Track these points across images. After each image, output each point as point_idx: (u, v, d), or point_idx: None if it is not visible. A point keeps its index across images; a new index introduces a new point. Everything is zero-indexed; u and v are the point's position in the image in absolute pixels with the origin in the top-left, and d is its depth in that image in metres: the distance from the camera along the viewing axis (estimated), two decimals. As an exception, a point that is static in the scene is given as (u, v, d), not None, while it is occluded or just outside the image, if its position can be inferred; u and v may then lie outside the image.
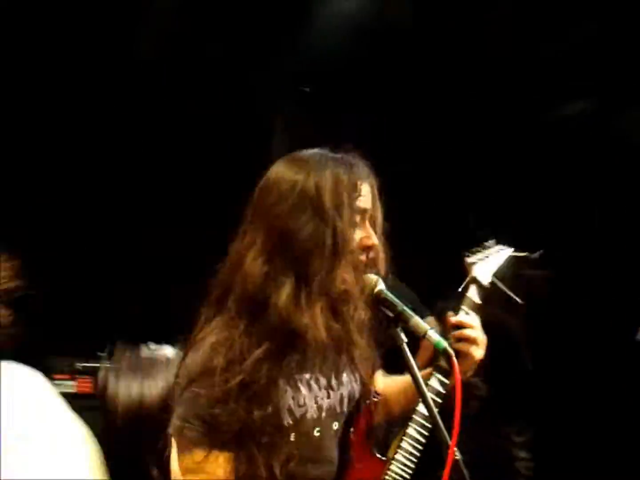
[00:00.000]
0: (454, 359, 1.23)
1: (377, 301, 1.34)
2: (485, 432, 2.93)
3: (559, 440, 3.90)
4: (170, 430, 1.27)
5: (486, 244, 1.74)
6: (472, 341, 1.49)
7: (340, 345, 1.35)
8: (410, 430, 1.53)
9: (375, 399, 1.53)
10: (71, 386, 3.67)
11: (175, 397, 1.29)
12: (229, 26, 3.83)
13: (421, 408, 1.52)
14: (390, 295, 1.34)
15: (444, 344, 1.23)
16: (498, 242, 1.76)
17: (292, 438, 1.33)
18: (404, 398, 1.58)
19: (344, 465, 1.46)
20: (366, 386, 1.48)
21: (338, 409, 1.43)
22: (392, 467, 1.51)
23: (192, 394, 1.25)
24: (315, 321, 1.25)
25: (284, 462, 1.28)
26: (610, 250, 4.14)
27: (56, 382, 3.48)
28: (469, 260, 1.69)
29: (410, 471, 1.51)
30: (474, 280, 1.66)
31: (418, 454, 1.51)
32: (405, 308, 1.31)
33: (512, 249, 1.74)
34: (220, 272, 1.34)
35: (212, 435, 1.23)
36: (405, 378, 1.48)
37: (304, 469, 1.35)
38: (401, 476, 1.51)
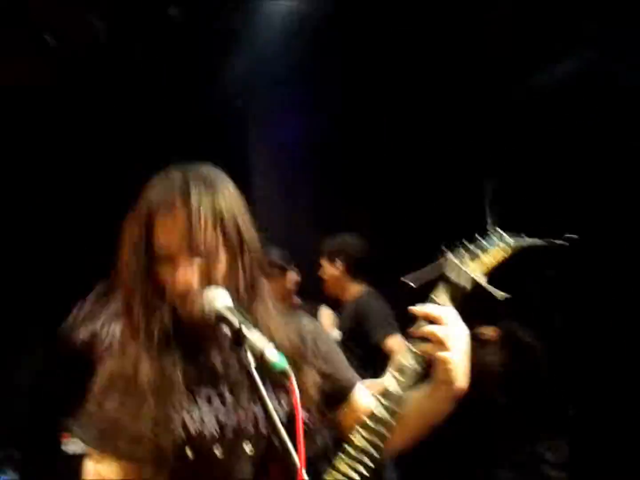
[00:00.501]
0: (293, 381, 1.02)
1: (217, 319, 1.14)
2: (517, 451, 2.80)
3: (597, 459, 3.71)
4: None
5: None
6: (436, 341, 1.20)
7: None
8: (337, 461, 1.23)
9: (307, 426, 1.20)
10: None
11: None
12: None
13: (370, 421, 1.22)
14: (226, 312, 1.13)
15: (282, 365, 1.02)
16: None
17: (190, 456, 1.20)
18: (416, 418, 1.29)
19: None
20: (290, 412, 1.19)
21: (251, 430, 1.24)
22: None
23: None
24: None
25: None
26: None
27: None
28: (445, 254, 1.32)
29: None
30: (444, 280, 1.30)
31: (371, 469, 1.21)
32: (243, 325, 1.08)
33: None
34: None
35: (99, 440, 1.22)
36: (417, 394, 1.27)
37: None
38: None
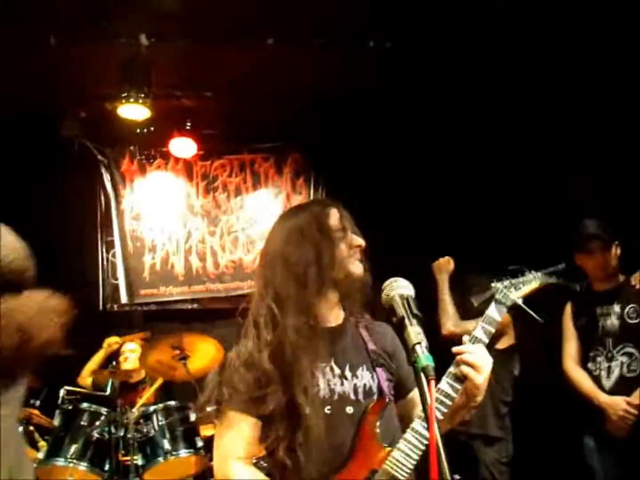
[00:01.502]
0: (432, 380, 1.32)
1: (389, 305, 1.55)
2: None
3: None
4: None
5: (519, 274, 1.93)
6: (471, 365, 1.60)
7: (358, 345, 1.81)
8: (416, 424, 1.62)
9: (388, 399, 1.75)
10: None
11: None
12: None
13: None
14: (396, 301, 1.52)
15: (425, 362, 1.34)
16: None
17: (307, 411, 1.63)
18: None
19: (353, 448, 1.67)
20: (380, 385, 1.75)
21: (352, 397, 1.72)
22: (394, 454, 1.62)
23: (226, 374, 1.73)
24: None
25: (302, 431, 1.63)
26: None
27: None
28: (495, 284, 1.86)
29: (412, 462, 1.60)
30: (495, 300, 1.79)
31: (422, 447, 1.60)
32: (406, 316, 1.46)
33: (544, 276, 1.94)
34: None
35: (239, 400, 1.67)
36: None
37: (319, 443, 1.62)
38: (402, 464, 1.61)
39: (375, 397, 1.75)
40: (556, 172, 4.49)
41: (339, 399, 1.71)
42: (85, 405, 3.60)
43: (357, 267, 1.78)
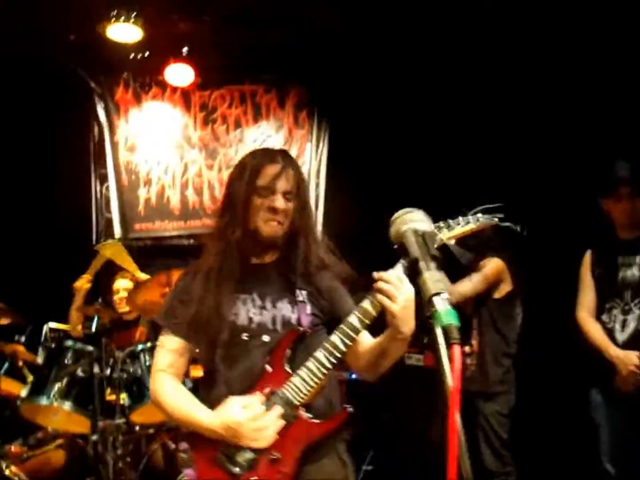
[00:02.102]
0: (455, 345, 1.04)
1: (396, 242, 1.38)
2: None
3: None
4: None
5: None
6: (386, 294, 1.56)
7: (284, 281, 1.90)
8: (318, 353, 1.68)
9: (302, 330, 1.82)
10: (419, 359, 4.13)
11: None
12: None
13: (335, 339, 1.67)
14: (409, 237, 1.29)
15: (446, 320, 1.08)
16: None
17: (224, 336, 1.81)
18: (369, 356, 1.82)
19: (261, 372, 1.79)
20: (300, 318, 1.84)
21: (270, 326, 1.84)
22: (293, 379, 1.72)
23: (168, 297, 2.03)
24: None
25: (219, 353, 1.81)
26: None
27: (407, 354, 4.11)
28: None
29: (307, 388, 1.70)
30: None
31: (320, 375, 1.68)
32: (421, 258, 1.19)
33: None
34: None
35: (170, 321, 1.91)
36: (379, 338, 1.76)
37: (234, 363, 1.82)
38: (298, 389, 1.71)
39: (292, 327, 1.84)
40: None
41: (256, 327, 1.84)
42: (69, 343, 3.46)
43: (266, 226, 1.85)
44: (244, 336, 1.82)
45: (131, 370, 3.40)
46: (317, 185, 5.39)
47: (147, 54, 5.13)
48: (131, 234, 5.41)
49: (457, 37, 4.45)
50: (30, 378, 3.71)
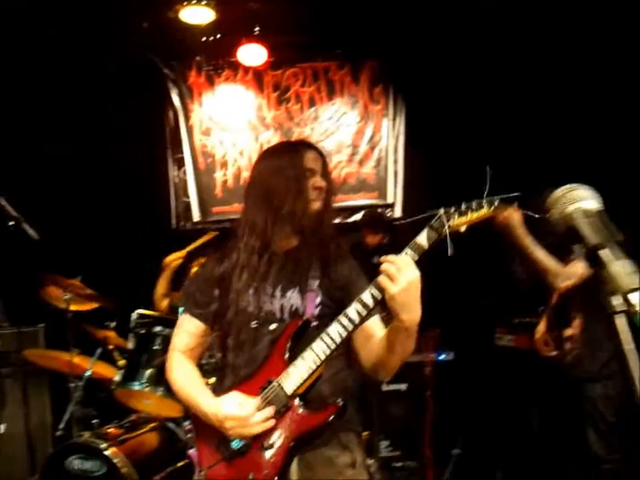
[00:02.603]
0: None
1: (561, 225, 1.25)
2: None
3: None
4: None
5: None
6: (386, 273, 1.57)
7: (299, 270, 1.93)
8: (315, 344, 1.71)
9: (305, 319, 1.83)
10: (510, 340, 3.99)
11: None
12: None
13: (331, 330, 1.69)
14: (580, 220, 1.10)
15: None
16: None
17: (235, 322, 1.88)
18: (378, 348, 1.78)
19: (263, 360, 1.83)
20: (307, 307, 1.86)
21: (278, 315, 1.89)
22: (289, 368, 1.75)
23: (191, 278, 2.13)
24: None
25: (231, 339, 1.88)
26: None
27: (497, 335, 4.01)
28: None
29: (301, 377, 1.73)
30: (429, 226, 1.64)
31: (314, 366, 1.71)
32: (603, 244, 0.99)
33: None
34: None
35: (190, 304, 1.99)
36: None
37: (241, 350, 1.87)
38: (292, 377, 1.74)
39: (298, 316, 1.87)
40: None
41: (265, 315, 1.88)
42: (158, 329, 3.49)
43: (315, 204, 1.92)
44: (253, 324, 1.88)
45: (219, 356, 3.39)
46: (395, 161, 5.24)
47: (218, 35, 5.10)
48: (209, 217, 5.43)
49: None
50: (120, 362, 3.79)
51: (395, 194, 5.23)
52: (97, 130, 5.13)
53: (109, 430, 3.45)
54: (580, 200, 1.11)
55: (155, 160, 5.46)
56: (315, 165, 1.96)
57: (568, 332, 3.06)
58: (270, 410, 1.73)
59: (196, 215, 5.43)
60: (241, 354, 1.87)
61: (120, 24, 4.89)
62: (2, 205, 3.43)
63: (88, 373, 3.63)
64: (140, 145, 5.24)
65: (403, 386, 4.05)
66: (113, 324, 3.85)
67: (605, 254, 0.96)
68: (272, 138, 5.38)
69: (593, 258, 0.98)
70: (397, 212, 5.19)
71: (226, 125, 5.46)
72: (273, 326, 1.87)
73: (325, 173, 1.98)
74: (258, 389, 1.78)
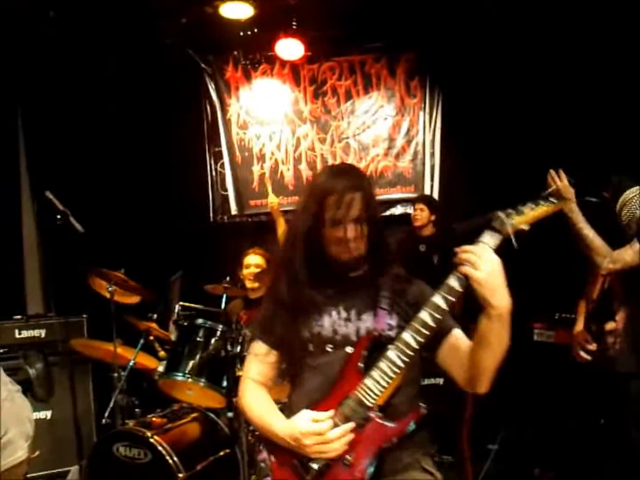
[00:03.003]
0: None
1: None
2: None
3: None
4: None
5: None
6: (468, 261, 1.56)
7: (372, 292, 1.86)
8: (390, 352, 1.68)
9: (376, 334, 1.79)
10: (550, 336, 3.98)
11: None
12: None
13: (406, 336, 1.66)
14: None
15: None
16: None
17: (311, 348, 1.85)
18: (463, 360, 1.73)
19: (338, 378, 1.79)
20: (379, 324, 1.81)
21: (354, 338, 1.83)
22: (366, 381, 1.71)
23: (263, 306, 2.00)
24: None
25: (304, 363, 1.84)
26: None
27: (537, 331, 4.00)
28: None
29: (379, 388, 1.69)
30: (490, 228, 1.63)
31: (391, 374, 1.67)
32: None
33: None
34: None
35: (262, 332, 1.94)
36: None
37: (317, 373, 1.82)
38: (370, 390, 1.70)
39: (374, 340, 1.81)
40: None
41: (340, 339, 1.83)
42: (200, 321, 3.56)
43: (342, 255, 1.85)
44: (329, 347, 1.83)
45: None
46: (432, 155, 5.24)
47: (255, 30, 5.14)
48: (247, 210, 5.49)
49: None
50: (161, 353, 3.88)
51: (432, 187, 5.22)
52: (137, 125, 5.22)
53: (153, 419, 3.53)
54: None
55: (193, 154, 5.54)
56: (342, 210, 1.80)
57: (610, 325, 3.04)
58: (349, 425, 1.70)
59: (233, 209, 5.49)
60: (316, 377, 1.83)
61: (159, 20, 4.96)
62: (50, 200, 3.53)
63: (131, 363, 3.72)
64: (179, 140, 5.32)
65: (440, 380, 4.06)
66: (155, 316, 3.93)
67: None
68: (309, 131, 5.41)
69: None
70: (434, 206, 5.18)
71: (263, 119, 5.50)
72: (349, 349, 1.82)
73: (365, 214, 1.83)
74: (334, 406, 1.74)
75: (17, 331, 4.20)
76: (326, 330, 1.85)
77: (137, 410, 3.79)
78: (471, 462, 3.97)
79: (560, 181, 2.78)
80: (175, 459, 3.20)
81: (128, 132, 5.21)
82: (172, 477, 3.16)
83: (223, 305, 3.71)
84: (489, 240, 1.61)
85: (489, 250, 1.57)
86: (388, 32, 5.16)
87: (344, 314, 1.86)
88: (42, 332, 4.24)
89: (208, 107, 5.58)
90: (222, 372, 3.43)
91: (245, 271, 4.20)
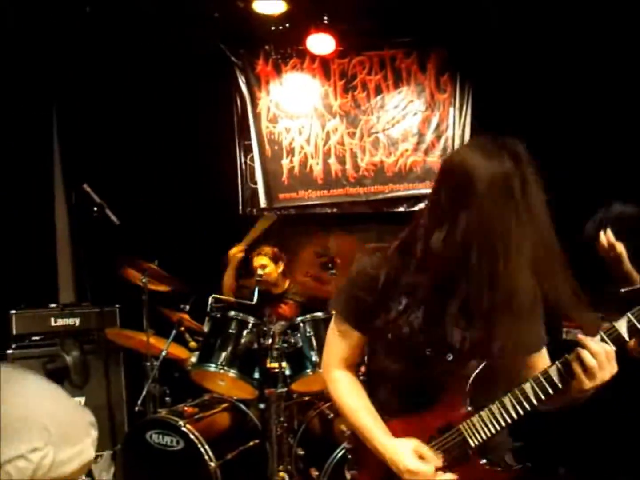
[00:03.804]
0: None
1: None
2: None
3: None
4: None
5: None
6: (585, 367, 1.49)
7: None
8: (506, 399, 1.59)
9: (489, 361, 1.63)
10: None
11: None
12: None
13: (527, 389, 1.56)
14: None
15: None
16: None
17: (407, 345, 1.68)
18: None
19: (438, 396, 1.66)
20: (491, 347, 1.59)
21: (457, 346, 1.66)
22: (474, 419, 1.62)
23: (347, 282, 1.81)
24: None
25: (398, 357, 1.70)
26: None
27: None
28: None
29: (486, 433, 1.60)
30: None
31: (502, 423, 1.59)
32: None
33: None
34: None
35: (350, 312, 1.78)
36: None
37: (411, 375, 1.69)
38: (477, 431, 1.61)
39: (481, 355, 1.66)
40: None
41: (442, 344, 1.68)
42: (232, 313, 3.63)
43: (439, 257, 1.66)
44: (427, 351, 1.68)
45: (292, 341, 3.51)
46: (462, 151, 5.22)
47: (287, 25, 5.17)
48: (276, 203, 5.54)
49: None
50: (191, 343, 3.95)
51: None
52: (169, 118, 5.29)
53: (185, 408, 3.62)
54: None
55: (223, 147, 5.59)
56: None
57: None
58: (453, 476, 1.62)
59: (263, 202, 5.55)
60: (410, 381, 1.70)
61: (192, 13, 5.02)
62: (88, 193, 3.62)
63: (164, 353, 3.80)
64: (209, 133, 5.38)
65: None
66: (187, 307, 4.00)
67: None
68: (338, 126, 5.44)
69: None
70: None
71: (293, 113, 5.54)
72: (450, 357, 1.68)
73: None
74: (434, 429, 1.66)
75: (52, 319, 4.32)
76: (428, 331, 1.67)
77: (168, 399, 3.88)
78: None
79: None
80: (206, 447, 3.28)
81: (160, 125, 5.29)
82: (204, 465, 3.24)
83: (255, 299, 3.76)
84: (624, 331, 1.51)
85: (613, 361, 1.51)
86: (419, 27, 5.15)
87: (450, 316, 1.65)
88: (77, 321, 4.35)
89: (238, 101, 5.63)
90: (254, 363, 3.49)
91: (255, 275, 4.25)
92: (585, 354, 1.50)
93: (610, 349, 1.51)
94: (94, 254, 4.51)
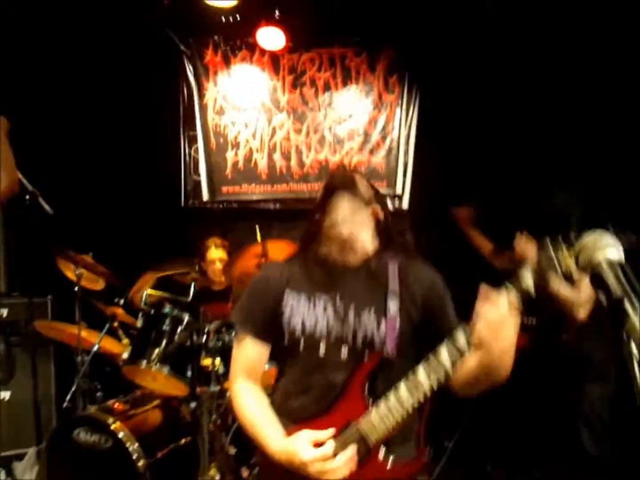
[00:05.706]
0: None
1: (588, 271, 1.20)
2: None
3: None
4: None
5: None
6: (488, 328, 1.49)
7: (376, 285, 1.75)
8: (401, 387, 1.58)
9: (387, 356, 1.67)
10: None
11: None
12: None
13: (420, 375, 1.55)
14: (606, 271, 1.11)
15: None
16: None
17: (301, 344, 1.72)
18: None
19: (338, 396, 1.67)
20: (386, 340, 1.67)
21: (350, 341, 1.70)
22: (372, 414, 1.62)
23: (245, 292, 1.85)
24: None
25: (294, 358, 1.74)
26: None
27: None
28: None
29: (387, 426, 1.59)
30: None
31: (403, 414, 1.57)
32: (627, 297, 1.03)
33: None
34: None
35: (248, 323, 1.82)
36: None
37: (308, 375, 1.72)
38: (375, 425, 1.60)
39: (375, 348, 1.69)
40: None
41: (335, 341, 1.71)
42: (167, 310, 3.56)
43: (325, 249, 1.80)
44: (322, 348, 1.71)
45: (227, 339, 3.47)
46: (406, 152, 5.26)
47: (238, 17, 5.09)
48: (219, 196, 5.46)
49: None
50: (124, 340, 3.87)
51: (404, 184, 5.26)
52: (111, 104, 5.14)
53: (115, 405, 3.53)
54: (605, 248, 1.13)
55: (167, 137, 5.47)
56: (337, 214, 1.80)
57: None
58: (351, 450, 1.59)
59: (205, 195, 5.46)
60: (310, 386, 1.72)
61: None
62: (19, 180, 3.48)
63: (96, 347, 3.70)
64: (153, 121, 5.26)
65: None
66: (121, 301, 3.91)
67: (627, 304, 1.01)
68: (285, 121, 5.40)
69: (616, 307, 1.02)
70: (405, 203, 5.23)
71: (240, 106, 5.46)
72: (344, 353, 1.70)
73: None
74: (335, 430, 1.63)
75: (-22, 309, 4.15)
76: (320, 329, 1.72)
77: (98, 394, 3.79)
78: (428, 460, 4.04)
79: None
80: (135, 446, 3.21)
81: (101, 111, 5.13)
82: (133, 465, 3.17)
83: (191, 295, 3.70)
84: (530, 283, 1.45)
85: (502, 308, 1.46)
86: (370, 27, 5.15)
87: (340, 311, 1.73)
88: (5, 312, 4.19)
89: (185, 90, 5.51)
90: (187, 361, 3.44)
91: (210, 267, 4.19)
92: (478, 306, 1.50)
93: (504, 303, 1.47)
94: (26, 243, 4.35)
